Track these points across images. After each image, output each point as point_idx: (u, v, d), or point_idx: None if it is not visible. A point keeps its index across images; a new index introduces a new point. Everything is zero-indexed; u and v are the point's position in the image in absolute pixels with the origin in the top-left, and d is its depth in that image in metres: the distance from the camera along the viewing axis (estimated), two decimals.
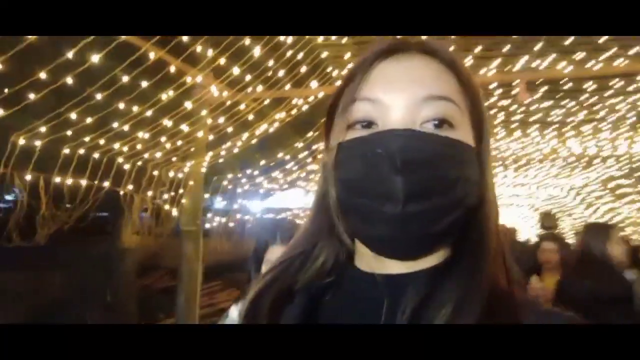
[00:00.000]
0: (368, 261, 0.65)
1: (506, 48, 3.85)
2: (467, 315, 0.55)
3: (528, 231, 9.98)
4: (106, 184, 3.72)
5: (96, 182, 3.58)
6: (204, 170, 4.94)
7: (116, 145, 3.60)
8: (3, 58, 2.42)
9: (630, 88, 4.62)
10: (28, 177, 3.10)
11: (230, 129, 4.33)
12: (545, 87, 4.64)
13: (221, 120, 4.20)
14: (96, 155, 3.52)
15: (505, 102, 5.08)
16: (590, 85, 4.59)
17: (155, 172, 4.24)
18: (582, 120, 5.57)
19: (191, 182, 4.81)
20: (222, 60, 3.43)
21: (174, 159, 4.34)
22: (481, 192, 0.63)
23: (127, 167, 3.99)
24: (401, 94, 0.60)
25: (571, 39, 3.60)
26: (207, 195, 5.25)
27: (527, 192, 11.78)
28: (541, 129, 6.04)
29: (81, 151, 3.39)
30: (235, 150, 4.79)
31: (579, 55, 3.87)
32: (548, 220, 5.06)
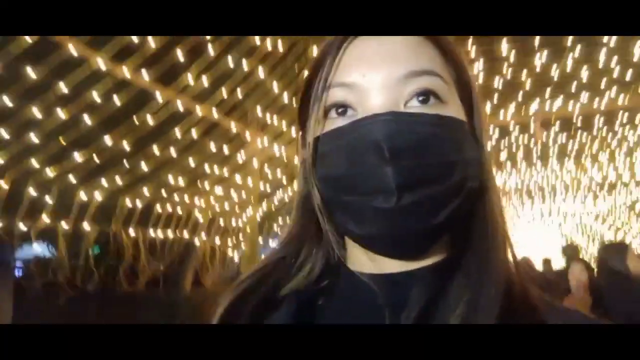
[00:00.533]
0: (362, 262, 0.59)
1: (519, 95, 4.47)
2: (484, 315, 0.51)
3: (560, 258, 10.28)
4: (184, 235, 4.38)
5: (178, 234, 4.25)
6: (259, 217, 5.58)
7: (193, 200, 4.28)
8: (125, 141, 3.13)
9: (637, 120, 5.17)
10: (131, 232, 3.78)
11: (283, 180, 5.00)
12: (558, 125, 5.23)
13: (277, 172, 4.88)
14: (179, 209, 4.20)
15: (523, 140, 5.68)
16: (598, 120, 5.17)
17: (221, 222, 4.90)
18: (597, 150, 6.11)
19: (248, 229, 5.45)
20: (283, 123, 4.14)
21: (235, 208, 5.01)
22: (481, 173, 0.57)
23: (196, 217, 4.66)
24: (378, 74, 0.55)
25: (574, 84, 4.22)
26: (261, 241, 5.89)
27: (555, 220, 12.14)
28: (560, 161, 6.58)
29: (170, 208, 4.09)
30: (286, 199, 5.44)
31: (584, 98, 4.48)
32: (570, 251, 5.57)
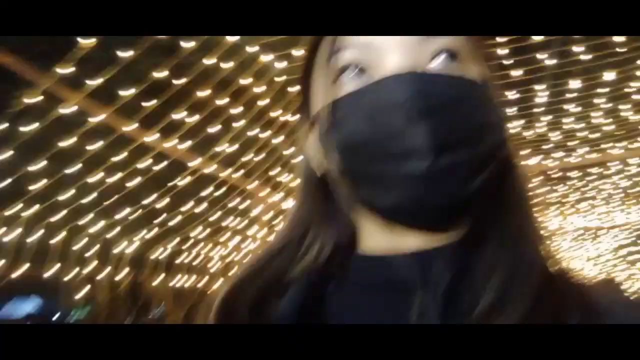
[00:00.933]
0: (377, 241, 0.53)
1: None
2: (520, 290, 0.46)
3: None
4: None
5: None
6: None
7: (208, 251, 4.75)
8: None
9: (608, 172, 5.76)
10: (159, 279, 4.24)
11: None
12: (539, 178, 5.80)
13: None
14: (196, 261, 4.66)
15: None
16: (576, 173, 5.75)
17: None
18: (576, 199, 6.66)
19: None
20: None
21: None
22: (508, 142, 0.53)
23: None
24: None
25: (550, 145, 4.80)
26: None
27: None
28: (543, 210, 7.11)
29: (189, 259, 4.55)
30: None
31: (559, 154, 5.07)
32: None
